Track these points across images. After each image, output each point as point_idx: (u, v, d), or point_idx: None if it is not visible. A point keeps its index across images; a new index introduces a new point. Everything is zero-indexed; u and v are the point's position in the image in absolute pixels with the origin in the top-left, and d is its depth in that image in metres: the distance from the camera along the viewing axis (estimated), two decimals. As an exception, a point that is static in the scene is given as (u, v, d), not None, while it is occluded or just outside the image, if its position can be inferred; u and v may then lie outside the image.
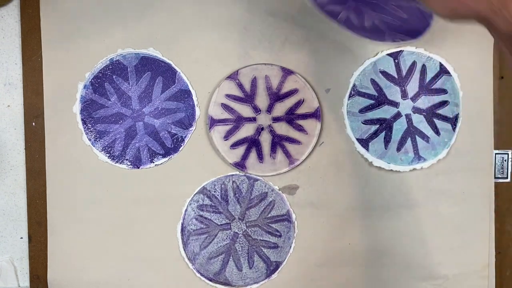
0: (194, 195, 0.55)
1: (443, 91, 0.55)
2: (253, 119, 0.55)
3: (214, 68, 0.55)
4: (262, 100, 0.55)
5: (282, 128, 0.55)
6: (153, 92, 0.55)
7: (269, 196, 0.56)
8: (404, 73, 0.55)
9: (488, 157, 0.56)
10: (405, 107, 0.55)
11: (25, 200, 0.56)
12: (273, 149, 0.55)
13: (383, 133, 0.55)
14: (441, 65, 0.55)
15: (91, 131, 0.55)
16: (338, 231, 0.56)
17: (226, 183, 0.55)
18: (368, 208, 0.56)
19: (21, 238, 0.57)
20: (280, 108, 0.55)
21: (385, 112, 0.55)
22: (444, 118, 0.55)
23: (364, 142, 0.55)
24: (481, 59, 0.56)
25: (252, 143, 0.55)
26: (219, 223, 0.56)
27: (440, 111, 0.55)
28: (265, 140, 0.55)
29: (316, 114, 0.55)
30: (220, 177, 0.55)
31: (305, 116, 0.55)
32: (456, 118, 0.55)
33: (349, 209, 0.56)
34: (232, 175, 0.55)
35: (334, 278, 0.56)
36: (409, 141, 0.55)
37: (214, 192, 0.55)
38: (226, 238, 0.56)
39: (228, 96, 0.55)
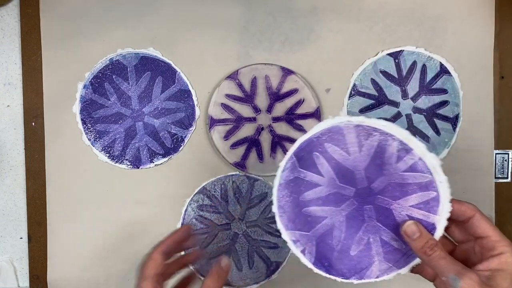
0: (194, 195, 0.55)
1: (443, 91, 0.55)
2: (253, 119, 0.55)
3: (214, 68, 0.55)
4: (262, 100, 0.55)
5: (282, 128, 0.55)
6: (153, 92, 0.55)
7: (269, 196, 0.55)
8: (404, 73, 0.55)
9: (488, 157, 0.56)
10: (406, 107, 0.55)
11: (25, 200, 0.56)
12: (273, 149, 0.55)
13: (383, 133, 0.55)
14: (441, 65, 0.55)
15: (91, 131, 0.55)
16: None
17: (226, 183, 0.55)
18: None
19: (21, 238, 0.57)
20: (280, 108, 0.55)
21: (385, 112, 0.55)
22: (445, 118, 0.55)
23: (364, 142, 0.55)
24: (481, 59, 0.56)
25: (252, 143, 0.55)
26: (219, 223, 0.56)
27: (441, 111, 0.55)
28: (265, 140, 0.55)
29: (316, 114, 0.55)
30: (220, 177, 0.55)
31: (305, 116, 0.55)
32: (456, 118, 0.55)
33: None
34: (232, 175, 0.55)
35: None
36: (409, 141, 0.55)
37: (214, 192, 0.55)
38: (226, 238, 0.56)
39: (228, 96, 0.55)
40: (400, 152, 0.38)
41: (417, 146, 0.38)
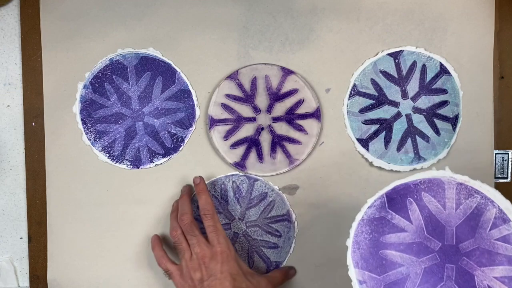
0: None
1: (443, 91, 0.55)
2: (253, 119, 0.55)
3: (214, 68, 0.55)
4: (262, 100, 0.55)
5: (282, 128, 0.55)
6: (153, 92, 0.55)
7: (269, 196, 0.55)
8: (404, 73, 0.55)
9: (488, 157, 0.56)
10: (405, 107, 0.55)
11: (25, 200, 0.56)
12: (273, 149, 0.55)
13: (383, 133, 0.55)
14: (441, 65, 0.55)
15: (91, 131, 0.55)
16: (338, 231, 0.56)
17: (226, 183, 0.55)
18: (368, 208, 0.56)
19: (21, 238, 0.57)
20: (280, 108, 0.55)
21: (385, 112, 0.55)
22: (444, 118, 0.55)
23: (364, 142, 0.55)
24: (481, 59, 0.56)
25: (252, 143, 0.55)
26: None
27: (440, 111, 0.55)
28: (265, 140, 0.55)
29: (316, 114, 0.55)
30: (220, 177, 0.55)
31: (305, 116, 0.55)
32: (456, 118, 0.55)
33: (349, 209, 0.56)
34: (232, 175, 0.55)
35: (334, 278, 0.56)
36: (409, 141, 0.55)
37: (214, 192, 0.55)
38: None
39: (228, 96, 0.55)
40: (497, 220, 0.39)
41: None
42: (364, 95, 0.55)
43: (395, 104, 0.55)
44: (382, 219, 0.41)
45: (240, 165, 0.55)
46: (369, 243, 0.41)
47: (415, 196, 0.40)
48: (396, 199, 0.41)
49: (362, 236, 0.41)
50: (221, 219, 0.56)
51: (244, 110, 0.55)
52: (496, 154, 0.56)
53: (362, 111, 0.55)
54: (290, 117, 0.55)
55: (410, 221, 0.40)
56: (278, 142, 0.55)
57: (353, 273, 0.40)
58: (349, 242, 0.41)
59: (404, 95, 0.55)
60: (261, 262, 0.56)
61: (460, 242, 0.39)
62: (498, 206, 0.39)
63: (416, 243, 0.40)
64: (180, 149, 0.55)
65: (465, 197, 0.39)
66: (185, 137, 0.55)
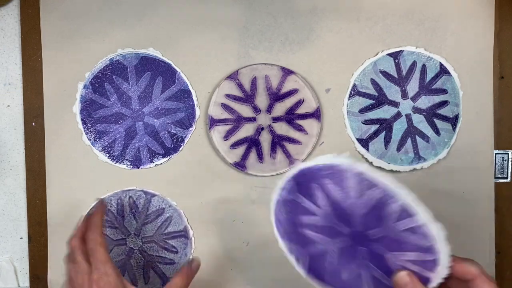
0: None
1: (443, 91, 0.55)
2: (253, 119, 0.55)
3: (214, 68, 0.55)
4: (262, 100, 0.55)
5: (282, 128, 0.55)
6: (153, 92, 0.55)
7: (166, 212, 0.55)
8: (404, 73, 0.55)
9: (488, 157, 0.56)
10: (405, 107, 0.55)
11: (25, 200, 0.56)
12: (273, 149, 0.55)
13: (383, 133, 0.55)
14: (441, 65, 0.55)
15: (91, 131, 0.55)
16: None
17: (123, 198, 0.55)
18: (368, 208, 0.56)
19: (21, 238, 0.57)
20: (280, 108, 0.55)
21: (385, 112, 0.55)
22: (444, 118, 0.55)
23: (364, 142, 0.55)
24: (481, 59, 0.56)
25: (252, 143, 0.55)
26: (115, 238, 0.55)
27: (440, 111, 0.55)
28: (265, 140, 0.55)
29: (316, 114, 0.55)
30: (116, 191, 0.55)
31: (305, 116, 0.55)
32: (456, 118, 0.55)
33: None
34: (129, 190, 0.55)
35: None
36: (409, 141, 0.55)
37: (110, 207, 0.55)
38: (122, 254, 0.55)
39: (228, 96, 0.55)
40: (402, 212, 0.35)
41: (421, 210, 0.35)
42: (364, 95, 0.55)
43: (395, 104, 0.55)
44: (294, 202, 0.39)
45: (240, 165, 0.55)
46: (288, 222, 0.40)
47: (320, 182, 0.37)
48: (303, 183, 0.38)
49: (281, 216, 0.40)
50: (117, 235, 0.55)
51: (244, 110, 0.55)
52: (496, 154, 0.56)
53: (362, 111, 0.55)
54: (290, 117, 0.55)
55: (318, 206, 0.38)
56: (278, 142, 0.55)
57: (282, 244, 0.41)
58: (272, 219, 0.41)
59: (404, 95, 0.55)
60: (156, 278, 0.55)
61: (368, 229, 0.37)
62: (403, 199, 0.34)
63: (327, 227, 0.38)
64: (180, 149, 0.55)
65: (367, 187, 0.35)
66: (185, 137, 0.55)
